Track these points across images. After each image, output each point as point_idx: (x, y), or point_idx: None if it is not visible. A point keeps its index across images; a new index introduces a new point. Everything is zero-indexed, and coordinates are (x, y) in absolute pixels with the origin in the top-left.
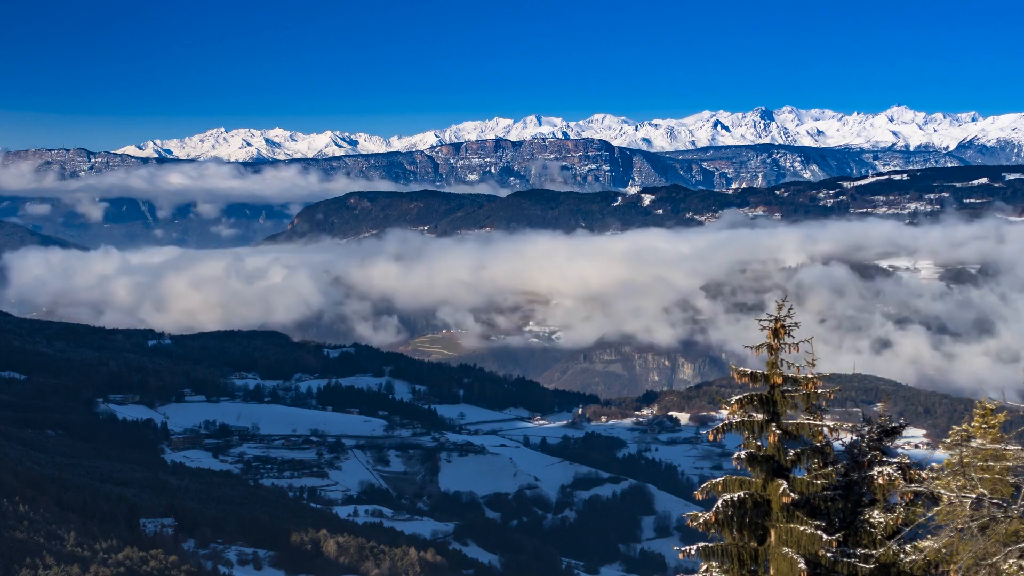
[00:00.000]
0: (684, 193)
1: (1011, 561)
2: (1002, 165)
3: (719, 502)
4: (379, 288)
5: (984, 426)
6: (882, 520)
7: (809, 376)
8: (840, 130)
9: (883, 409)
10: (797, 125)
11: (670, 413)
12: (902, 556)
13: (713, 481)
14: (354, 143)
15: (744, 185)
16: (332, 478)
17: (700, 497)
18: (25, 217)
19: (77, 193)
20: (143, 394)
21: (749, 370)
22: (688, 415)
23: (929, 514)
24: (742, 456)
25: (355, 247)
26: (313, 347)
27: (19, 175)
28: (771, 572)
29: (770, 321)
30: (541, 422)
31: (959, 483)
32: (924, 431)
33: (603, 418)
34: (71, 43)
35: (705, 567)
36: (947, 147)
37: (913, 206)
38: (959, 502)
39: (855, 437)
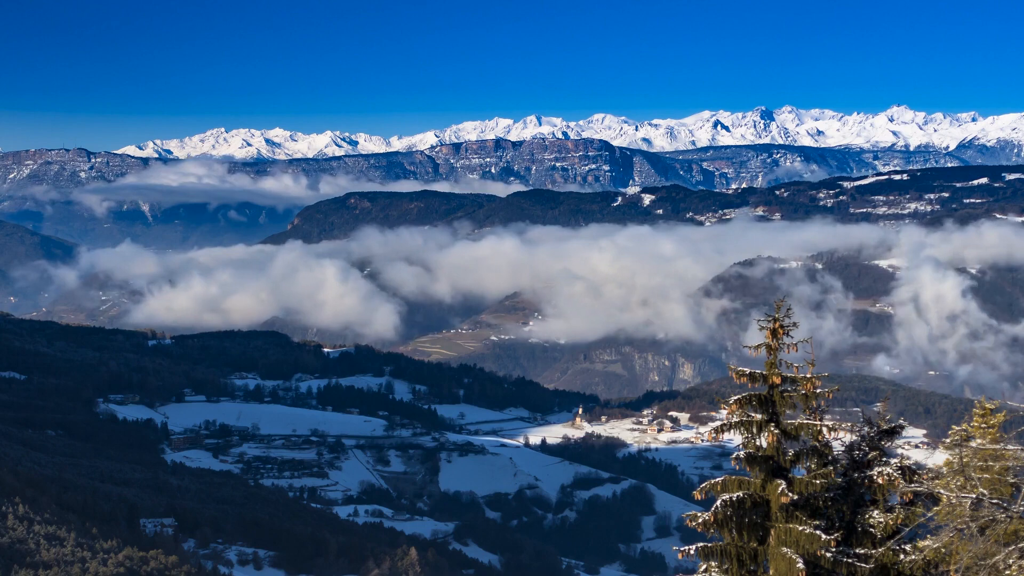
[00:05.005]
0: (684, 193)
1: (1011, 561)
2: (1002, 165)
3: (718, 502)
4: (384, 287)
5: (983, 426)
6: (882, 520)
7: (808, 376)
8: (840, 130)
9: (883, 409)
10: (797, 125)
11: (670, 413)
12: (902, 556)
13: (712, 481)
14: (354, 143)
15: (744, 185)
16: (332, 478)
17: (699, 497)
18: (25, 218)
19: (77, 193)
20: (143, 394)
21: (748, 370)
22: (688, 415)
23: (929, 514)
24: (741, 456)
25: (355, 246)
26: (313, 347)
27: (19, 175)
28: (770, 572)
29: (769, 321)
30: (541, 422)
31: (959, 483)
32: (924, 431)
33: (603, 418)
34: (71, 43)
35: (704, 567)
36: (947, 147)
37: (913, 206)
38: (959, 502)
39: (855, 437)
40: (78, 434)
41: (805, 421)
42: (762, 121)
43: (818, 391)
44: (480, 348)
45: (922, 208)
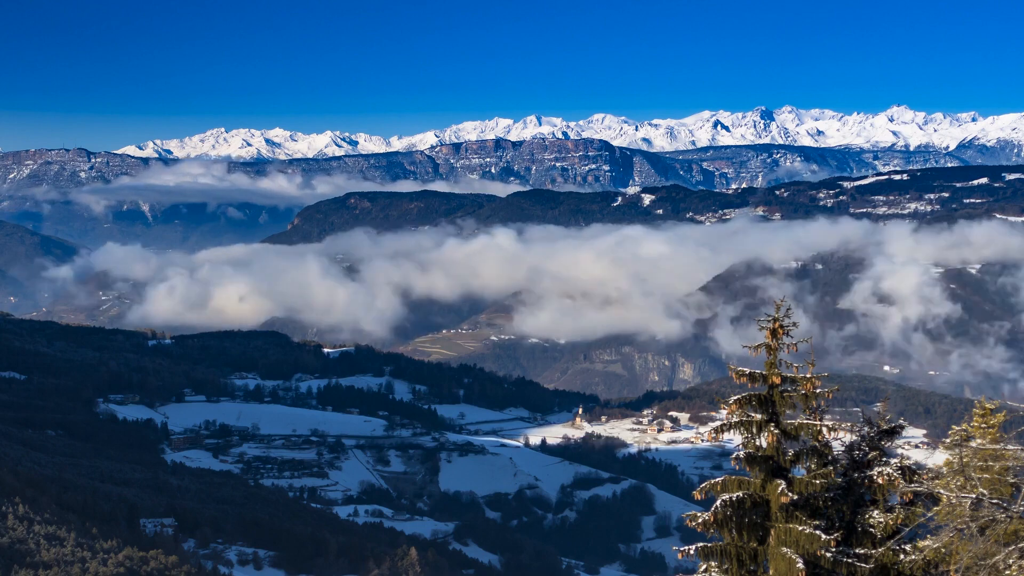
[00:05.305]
0: (684, 193)
1: (1011, 561)
2: (1002, 165)
3: (718, 502)
4: (384, 287)
5: (983, 426)
6: (882, 520)
7: (808, 376)
8: (840, 130)
9: (883, 409)
10: (797, 125)
11: (670, 413)
12: (902, 556)
13: (712, 481)
14: (354, 143)
15: (744, 185)
16: (332, 478)
17: (699, 497)
18: (25, 218)
19: (77, 193)
20: (143, 394)
21: (748, 370)
22: (688, 415)
23: (929, 514)
24: (741, 456)
25: (355, 246)
26: (313, 347)
27: (19, 175)
28: (770, 572)
29: (768, 321)
30: (541, 422)
31: (959, 483)
32: (924, 431)
33: (603, 418)
34: (71, 43)
35: (704, 567)
36: (947, 147)
37: (913, 206)
38: (959, 502)
39: (855, 437)
40: (78, 434)
41: (805, 421)
42: (762, 121)
43: (818, 391)
44: (480, 348)
45: (922, 208)
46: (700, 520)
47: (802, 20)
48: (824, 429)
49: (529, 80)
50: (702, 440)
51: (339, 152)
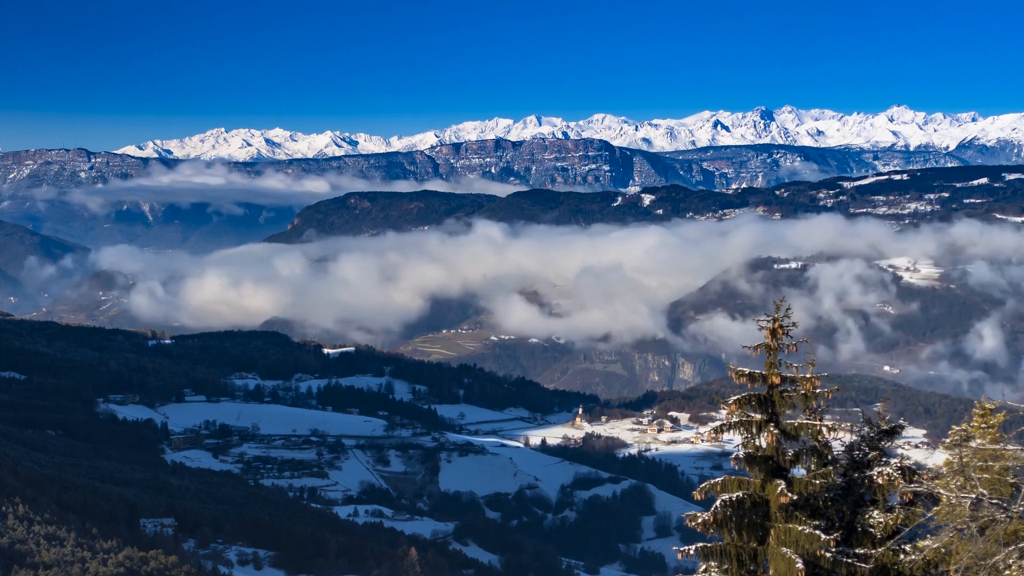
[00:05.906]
0: (684, 193)
1: (1011, 561)
2: (1002, 165)
3: (717, 502)
4: (384, 287)
5: (983, 426)
6: (882, 520)
7: (807, 376)
8: (840, 130)
9: (883, 409)
10: (797, 125)
11: (670, 413)
12: (902, 556)
13: (712, 481)
14: (354, 143)
15: (744, 185)
16: (332, 478)
17: (699, 497)
18: (25, 218)
19: (77, 193)
20: (143, 394)
21: (747, 370)
22: (688, 415)
23: (929, 514)
24: (741, 456)
25: (355, 246)
26: (313, 347)
27: (19, 175)
28: (770, 572)
29: (768, 321)
30: (541, 422)
31: (959, 483)
32: (924, 431)
33: (603, 418)
34: (71, 43)
35: (704, 567)
36: (947, 147)
37: (913, 206)
38: (959, 502)
39: (855, 437)
40: (78, 434)
41: (805, 421)
42: (762, 121)
43: (818, 391)
44: (480, 348)
45: (922, 208)
46: (700, 520)
47: (802, 20)
48: (824, 429)
49: (529, 80)
50: (702, 440)
51: (339, 152)
